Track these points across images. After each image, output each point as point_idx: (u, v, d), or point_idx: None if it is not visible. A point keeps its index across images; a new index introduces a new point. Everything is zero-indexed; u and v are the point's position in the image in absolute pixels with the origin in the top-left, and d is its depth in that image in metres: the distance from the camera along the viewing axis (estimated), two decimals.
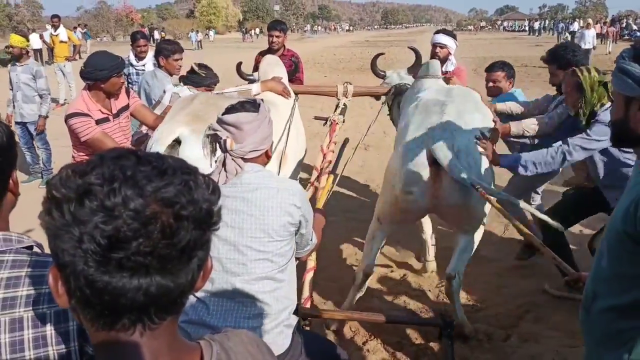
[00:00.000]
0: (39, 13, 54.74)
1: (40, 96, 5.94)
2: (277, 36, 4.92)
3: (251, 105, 1.78)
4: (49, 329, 0.96)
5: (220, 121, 1.73)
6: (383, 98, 4.26)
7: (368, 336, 3.18)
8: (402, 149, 2.80)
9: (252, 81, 3.91)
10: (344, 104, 3.95)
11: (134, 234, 0.62)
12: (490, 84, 4.09)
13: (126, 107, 3.38)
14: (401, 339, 3.13)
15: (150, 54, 5.80)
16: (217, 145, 1.74)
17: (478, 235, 2.99)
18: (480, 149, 2.80)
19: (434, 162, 2.68)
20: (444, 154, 2.64)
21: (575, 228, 4.69)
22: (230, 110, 1.75)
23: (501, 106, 3.74)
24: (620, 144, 1.56)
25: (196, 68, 3.77)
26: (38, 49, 18.44)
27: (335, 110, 3.93)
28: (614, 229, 1.40)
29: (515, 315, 3.38)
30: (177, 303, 0.70)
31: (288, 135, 3.32)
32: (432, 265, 3.95)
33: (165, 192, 0.65)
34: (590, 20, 16.87)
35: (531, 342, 3.07)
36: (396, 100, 4.01)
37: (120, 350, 0.68)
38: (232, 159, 1.73)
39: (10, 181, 1.05)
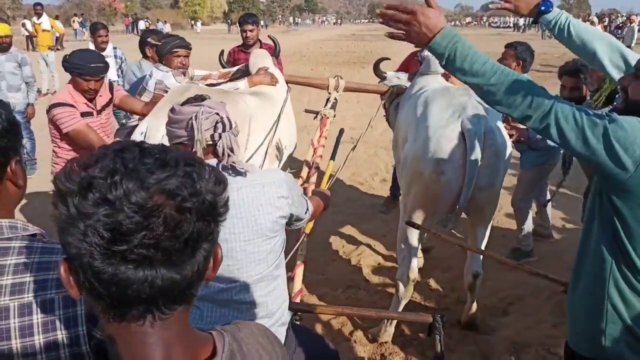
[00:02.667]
0: (19, 1, 53.60)
1: (27, 84, 5.87)
2: (250, 30, 4.81)
3: (208, 97, 1.71)
4: (58, 314, 0.97)
5: (204, 105, 1.62)
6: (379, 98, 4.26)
7: (355, 328, 3.21)
8: (428, 131, 2.70)
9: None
10: (335, 98, 3.92)
11: (137, 227, 0.62)
12: (498, 59, 3.90)
13: (109, 103, 3.34)
14: None
15: (110, 45, 5.77)
16: (218, 126, 1.60)
17: (489, 228, 3.00)
18: (507, 126, 2.81)
19: (465, 139, 2.62)
20: (475, 130, 2.59)
21: (558, 222, 4.79)
22: (192, 100, 1.66)
23: None
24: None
25: (154, 41, 3.65)
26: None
27: (325, 105, 3.91)
28: (595, 193, 1.51)
29: (499, 307, 3.44)
30: (186, 294, 0.70)
31: (276, 128, 3.30)
32: (419, 261, 3.96)
33: (167, 184, 0.64)
34: (594, 19, 16.16)
35: (515, 334, 3.13)
36: (395, 101, 4.00)
37: (133, 341, 0.69)
38: (234, 137, 1.63)
39: (9, 170, 1.03)
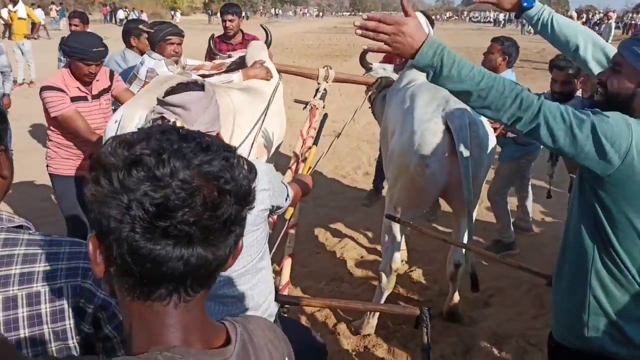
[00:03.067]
0: None
1: (2, 73, 5.71)
2: (230, 20, 4.78)
3: (194, 84, 1.65)
4: (44, 307, 0.96)
5: (163, 103, 1.57)
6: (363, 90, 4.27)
7: (338, 321, 3.22)
8: (413, 124, 2.75)
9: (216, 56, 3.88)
10: (324, 89, 3.90)
11: (182, 203, 0.64)
12: (484, 53, 4.01)
13: (107, 90, 3.28)
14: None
15: None
16: None
17: (473, 219, 3.01)
18: (491, 122, 2.82)
19: (449, 131, 2.66)
20: (460, 123, 2.62)
21: (538, 215, 4.87)
22: (172, 91, 1.60)
23: None
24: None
25: (145, 28, 3.57)
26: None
27: (315, 95, 3.87)
28: (576, 184, 1.54)
29: (480, 299, 3.48)
30: (212, 277, 0.73)
31: (262, 122, 3.27)
32: (402, 254, 3.98)
33: (211, 166, 0.67)
34: (573, 14, 15.82)
35: (496, 325, 3.18)
36: (381, 93, 4.01)
37: (153, 321, 0.70)
38: None
39: None
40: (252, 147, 3.14)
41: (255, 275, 1.67)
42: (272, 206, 1.74)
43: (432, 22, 4.30)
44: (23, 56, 10.53)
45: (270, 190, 1.70)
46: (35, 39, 10.88)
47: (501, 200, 4.15)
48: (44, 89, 3.05)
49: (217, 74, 3.47)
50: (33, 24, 11.59)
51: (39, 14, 24.05)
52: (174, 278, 0.68)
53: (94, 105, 3.19)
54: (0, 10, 12.16)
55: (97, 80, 3.19)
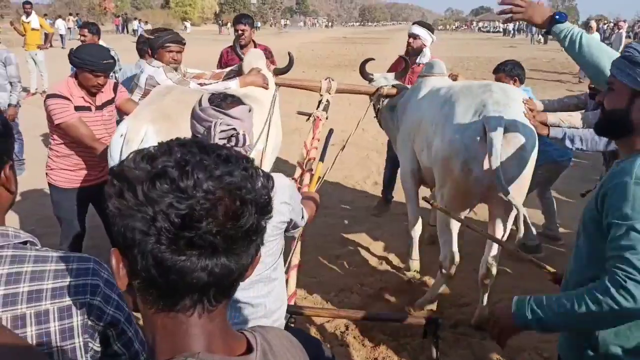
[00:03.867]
0: None
1: (11, 84, 5.75)
2: (243, 30, 4.85)
3: (236, 98, 1.73)
4: (53, 325, 0.94)
5: (226, 115, 1.62)
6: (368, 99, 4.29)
7: (348, 332, 3.19)
8: (454, 131, 2.84)
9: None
10: (327, 100, 3.92)
11: (206, 214, 0.65)
12: None
13: (111, 101, 3.29)
14: (381, 334, 3.16)
15: (103, 44, 5.67)
16: (232, 139, 1.62)
17: (511, 221, 3.09)
18: (529, 114, 2.86)
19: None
20: (496, 125, 2.70)
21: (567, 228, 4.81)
22: (222, 102, 1.66)
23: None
24: (607, 133, 1.61)
25: (147, 34, 3.58)
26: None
27: (318, 107, 3.89)
28: (589, 210, 1.53)
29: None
30: (234, 286, 0.74)
31: (268, 130, 3.27)
32: (415, 264, 3.98)
33: (232, 177, 0.68)
34: (592, 24, 14.95)
35: (509, 338, 3.12)
36: (385, 103, 4.04)
37: (177, 332, 0.70)
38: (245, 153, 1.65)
39: (3, 175, 1.00)
40: (251, 154, 3.14)
41: (268, 284, 1.73)
42: (291, 220, 1.79)
43: (430, 30, 4.30)
44: (36, 66, 10.66)
45: (291, 205, 1.76)
46: (47, 48, 10.99)
47: (548, 198, 4.39)
48: (49, 96, 3.07)
49: (214, 82, 3.48)
50: (46, 34, 11.75)
51: (60, 25, 24.78)
52: (198, 288, 0.69)
53: (97, 116, 3.20)
54: (12, 21, 12.33)
55: (102, 92, 3.20)
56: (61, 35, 24.02)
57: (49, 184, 3.29)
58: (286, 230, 1.84)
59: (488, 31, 72.66)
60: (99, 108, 3.21)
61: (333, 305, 3.47)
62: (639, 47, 1.46)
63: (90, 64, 3.00)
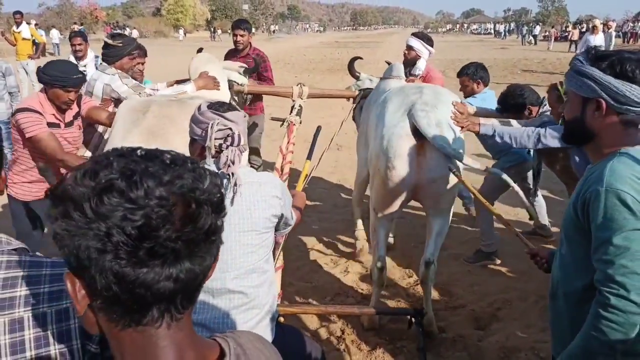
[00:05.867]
0: None
1: (10, 94, 5.77)
2: (241, 35, 5.02)
3: (232, 105, 1.91)
4: (50, 328, 0.95)
5: (224, 117, 1.80)
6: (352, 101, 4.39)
7: (345, 336, 3.18)
8: (383, 130, 2.91)
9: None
10: (300, 105, 4.01)
11: (163, 221, 0.64)
12: (460, 89, 4.34)
13: (77, 115, 3.24)
14: (377, 338, 3.15)
15: (92, 54, 5.66)
16: (226, 140, 1.79)
17: (449, 218, 3.15)
18: (458, 116, 2.97)
19: (416, 133, 2.81)
20: (427, 122, 2.78)
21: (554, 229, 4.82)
22: (220, 108, 1.83)
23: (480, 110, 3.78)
24: (572, 141, 1.66)
25: (110, 41, 3.55)
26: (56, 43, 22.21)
27: (291, 112, 3.97)
28: (568, 217, 1.54)
29: (488, 312, 3.44)
30: (198, 290, 0.73)
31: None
32: (363, 243, 4.20)
33: (183, 180, 0.67)
34: (597, 22, 14.48)
35: (505, 339, 3.12)
36: (359, 104, 4.18)
37: (147, 346, 0.69)
38: (241, 153, 1.81)
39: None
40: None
41: (261, 276, 1.83)
42: (282, 215, 1.90)
43: (427, 42, 4.39)
44: (27, 76, 10.62)
45: (282, 200, 1.88)
46: (39, 58, 10.96)
47: (537, 201, 4.29)
48: (20, 110, 2.98)
49: (169, 87, 3.54)
50: (37, 44, 11.71)
51: (54, 35, 25.22)
52: (166, 297, 0.67)
53: (67, 133, 3.15)
54: (3, 31, 12.29)
55: (70, 109, 3.16)
56: (56, 45, 24.39)
57: (10, 197, 3.21)
58: (277, 228, 1.93)
59: (479, 33, 73.08)
60: (68, 125, 3.16)
61: (327, 304, 3.45)
62: (582, 58, 1.51)
63: (61, 80, 2.96)
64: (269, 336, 1.82)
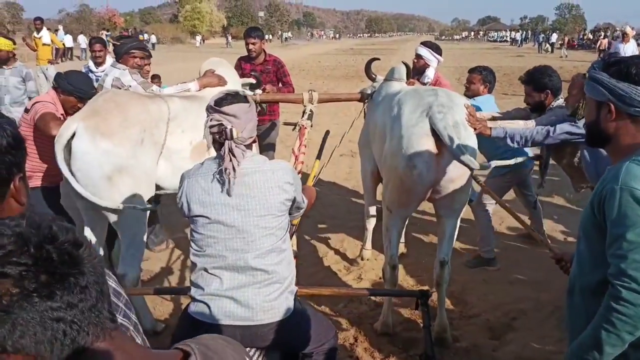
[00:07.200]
0: (19, 15, 53.93)
1: (30, 98, 5.88)
2: (253, 43, 5.11)
3: (240, 96, 1.96)
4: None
5: (219, 112, 1.88)
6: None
7: (358, 343, 3.17)
8: (401, 130, 2.95)
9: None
10: (310, 110, 4.10)
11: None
12: (466, 84, 4.35)
13: None
14: (391, 346, 3.13)
15: (110, 60, 5.75)
16: (222, 134, 1.89)
17: (459, 219, 3.21)
18: (471, 118, 3.02)
19: (434, 133, 2.87)
20: (444, 125, 2.83)
21: (559, 235, 4.77)
22: (222, 101, 1.89)
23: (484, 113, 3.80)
24: (594, 144, 1.73)
25: (114, 41, 3.81)
26: (70, 47, 23.77)
27: (302, 116, 4.05)
28: (586, 214, 1.60)
29: (503, 322, 3.40)
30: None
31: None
32: (367, 253, 4.31)
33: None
34: (628, 30, 13.50)
35: (520, 349, 3.09)
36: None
37: None
38: (237, 146, 1.90)
39: (12, 187, 1.01)
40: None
41: (280, 254, 1.97)
42: (294, 199, 2.01)
43: (436, 51, 4.41)
44: (47, 81, 10.81)
45: (294, 185, 2.00)
46: (58, 62, 11.15)
47: (482, 212, 4.20)
48: (37, 101, 3.24)
49: (175, 86, 3.64)
50: (57, 49, 11.93)
51: (81, 41, 26.61)
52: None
53: None
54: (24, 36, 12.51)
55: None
56: (83, 50, 25.64)
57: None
58: (290, 212, 2.06)
59: (495, 40, 72.74)
60: None
61: (343, 317, 3.45)
62: (597, 65, 1.61)
63: (82, 92, 3.26)
64: (288, 308, 1.95)
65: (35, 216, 0.67)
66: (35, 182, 3.28)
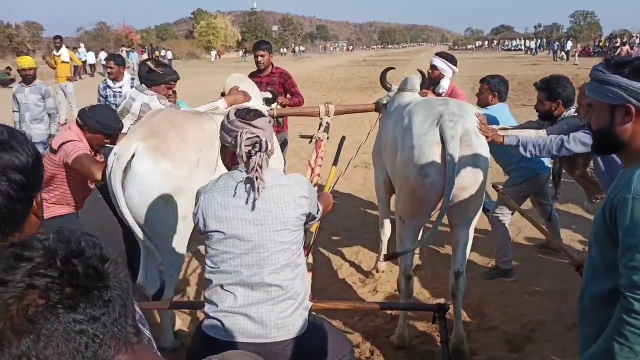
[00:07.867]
0: (39, 34, 55.28)
1: (49, 115, 6.00)
2: (261, 55, 5.22)
3: (259, 110, 2.00)
4: None
5: (251, 125, 1.89)
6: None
7: (374, 357, 3.14)
8: (413, 140, 2.96)
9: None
10: (327, 122, 4.13)
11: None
12: (477, 94, 4.38)
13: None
14: (403, 353, 3.10)
15: (128, 76, 5.84)
16: (255, 146, 1.89)
17: (473, 228, 3.18)
18: (482, 127, 3.03)
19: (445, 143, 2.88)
20: (452, 133, 2.83)
21: (578, 245, 4.70)
22: (247, 115, 1.92)
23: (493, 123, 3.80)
24: (603, 151, 1.68)
25: (153, 66, 3.77)
26: (92, 63, 24.35)
27: (319, 129, 4.07)
28: (598, 221, 1.56)
29: (522, 334, 3.34)
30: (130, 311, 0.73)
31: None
32: (383, 265, 4.29)
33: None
34: None
35: None
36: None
37: None
38: (267, 158, 1.92)
39: (34, 203, 1.04)
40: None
41: (295, 269, 1.96)
42: (309, 213, 2.01)
43: (451, 61, 4.41)
44: (66, 98, 11.03)
45: (309, 199, 2.00)
46: (76, 80, 11.37)
47: (498, 222, 4.13)
48: (63, 144, 3.05)
49: (204, 105, 3.68)
50: (75, 66, 12.18)
51: (102, 57, 27.27)
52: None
53: None
54: (44, 55, 12.79)
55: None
56: (104, 65, 25.57)
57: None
58: (305, 223, 2.05)
59: (509, 49, 72.44)
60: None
61: (358, 330, 3.43)
62: (601, 67, 1.54)
63: (111, 129, 3.16)
64: (302, 325, 1.93)
65: (66, 231, 0.69)
66: (64, 209, 3.23)
